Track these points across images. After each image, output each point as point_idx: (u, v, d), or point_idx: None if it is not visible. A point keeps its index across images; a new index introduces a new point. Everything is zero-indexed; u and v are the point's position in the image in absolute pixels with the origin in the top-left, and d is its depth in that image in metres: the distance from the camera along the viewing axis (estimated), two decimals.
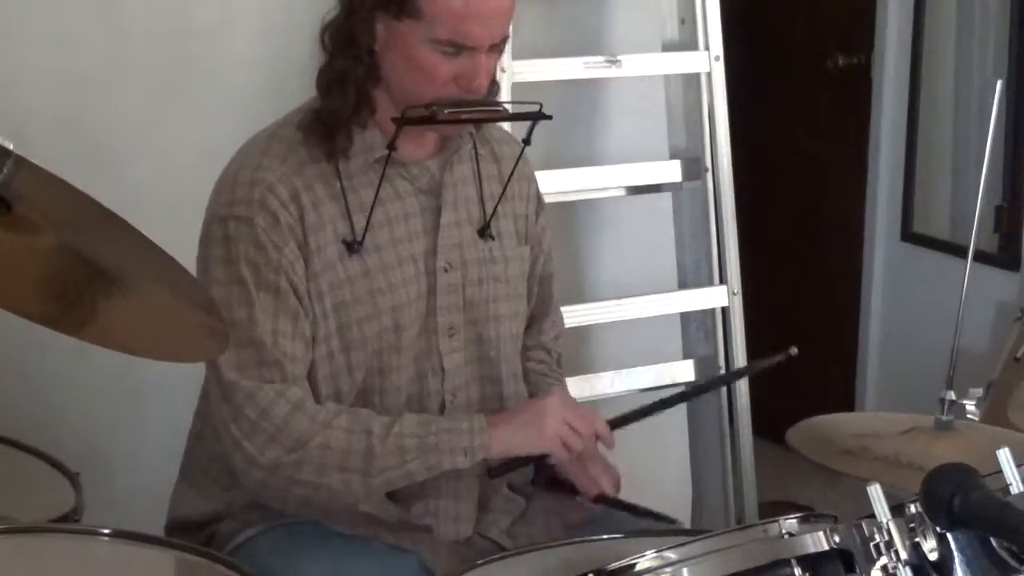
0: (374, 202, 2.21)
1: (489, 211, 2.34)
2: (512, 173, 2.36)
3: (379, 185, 2.21)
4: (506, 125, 2.68)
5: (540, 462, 2.32)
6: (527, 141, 2.32)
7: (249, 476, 2.19)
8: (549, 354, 2.53)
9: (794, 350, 2.39)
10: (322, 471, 2.16)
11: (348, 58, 2.19)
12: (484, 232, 2.34)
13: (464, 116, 2.21)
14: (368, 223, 2.21)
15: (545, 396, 2.35)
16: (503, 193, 2.35)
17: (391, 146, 2.19)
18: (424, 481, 2.23)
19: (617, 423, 2.37)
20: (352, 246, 2.21)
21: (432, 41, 2.14)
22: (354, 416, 2.19)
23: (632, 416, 2.41)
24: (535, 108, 2.26)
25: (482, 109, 2.23)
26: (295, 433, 2.15)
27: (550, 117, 2.27)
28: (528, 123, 2.28)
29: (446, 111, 2.16)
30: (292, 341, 2.17)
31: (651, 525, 2.29)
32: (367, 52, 2.19)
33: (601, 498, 2.36)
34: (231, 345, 2.11)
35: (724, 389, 3.42)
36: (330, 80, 2.21)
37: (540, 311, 2.50)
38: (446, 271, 2.28)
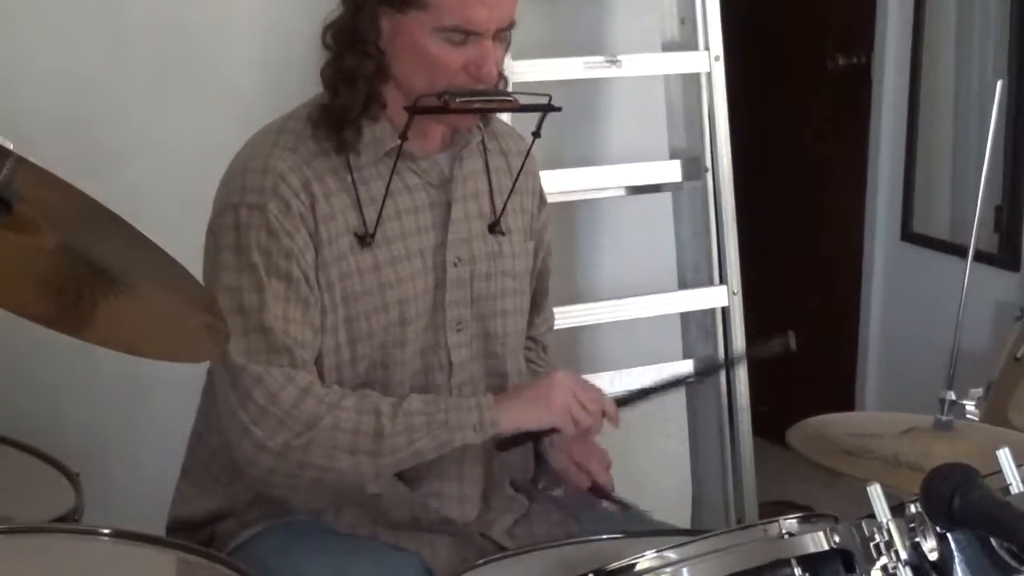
0: (386, 194, 2.20)
1: (499, 205, 2.34)
2: (522, 166, 2.36)
3: (391, 177, 2.20)
4: (510, 119, 2.68)
5: (548, 436, 2.31)
6: (537, 133, 2.31)
7: (257, 463, 2.17)
8: (535, 342, 2.53)
9: (792, 343, 2.40)
10: (331, 453, 2.15)
11: (356, 55, 2.19)
12: (494, 227, 2.34)
13: (476, 105, 2.20)
14: (380, 215, 2.20)
15: (553, 371, 2.33)
16: (513, 187, 2.35)
17: (403, 136, 2.19)
18: (429, 463, 2.22)
19: (621, 402, 2.36)
20: (364, 239, 2.20)
21: (438, 30, 2.14)
22: (361, 397, 2.19)
23: (636, 396, 2.42)
24: (544, 100, 2.26)
25: (493, 99, 2.22)
26: (304, 416, 2.14)
27: (559, 109, 2.27)
28: (537, 115, 2.28)
29: (458, 100, 2.16)
30: (302, 327, 2.17)
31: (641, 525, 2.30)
32: (375, 48, 2.19)
33: (593, 489, 2.36)
34: (240, 331, 2.12)
35: (724, 389, 3.42)
36: (338, 78, 2.20)
37: (534, 306, 2.49)
38: (455, 265, 2.28)
